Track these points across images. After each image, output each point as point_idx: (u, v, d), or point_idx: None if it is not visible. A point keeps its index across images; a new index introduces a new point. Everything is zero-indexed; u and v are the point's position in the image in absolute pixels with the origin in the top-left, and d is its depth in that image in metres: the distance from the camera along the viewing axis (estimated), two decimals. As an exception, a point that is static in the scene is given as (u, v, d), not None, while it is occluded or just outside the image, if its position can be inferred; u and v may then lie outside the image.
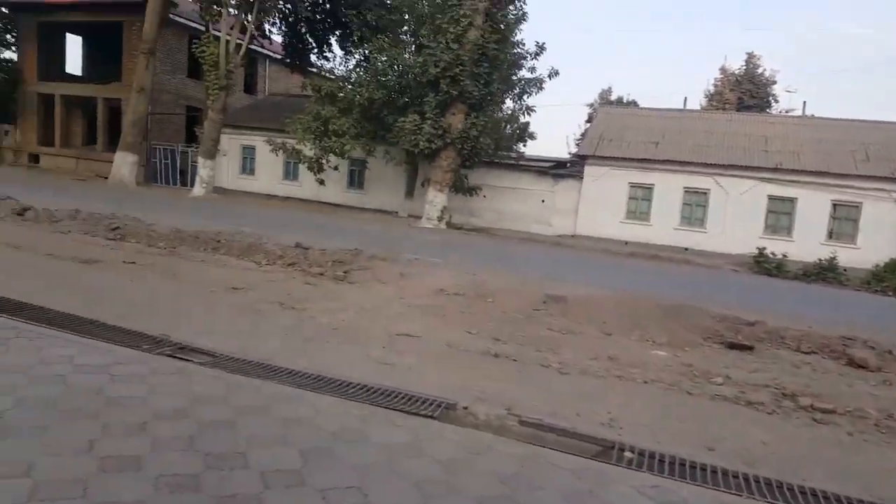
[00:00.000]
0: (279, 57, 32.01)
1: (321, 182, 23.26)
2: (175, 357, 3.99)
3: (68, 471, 2.33)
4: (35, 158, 31.46)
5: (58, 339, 3.88)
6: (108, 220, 9.50)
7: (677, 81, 73.00)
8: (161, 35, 24.48)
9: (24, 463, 2.34)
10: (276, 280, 7.15)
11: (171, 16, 25.39)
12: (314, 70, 29.52)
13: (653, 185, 21.92)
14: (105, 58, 31.51)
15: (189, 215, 14.02)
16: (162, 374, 3.53)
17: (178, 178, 28.84)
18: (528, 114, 21.65)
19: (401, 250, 10.15)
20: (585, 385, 4.55)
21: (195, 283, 6.48)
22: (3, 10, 31.07)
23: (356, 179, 26.91)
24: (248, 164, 28.95)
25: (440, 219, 20.50)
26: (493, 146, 20.38)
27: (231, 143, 26.82)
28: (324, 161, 22.17)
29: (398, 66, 20.37)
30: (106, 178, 25.27)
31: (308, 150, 21.99)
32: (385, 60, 20.56)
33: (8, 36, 32.58)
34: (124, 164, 23.91)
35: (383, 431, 3.11)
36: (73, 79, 33.02)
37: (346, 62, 25.23)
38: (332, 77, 23.94)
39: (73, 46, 34.41)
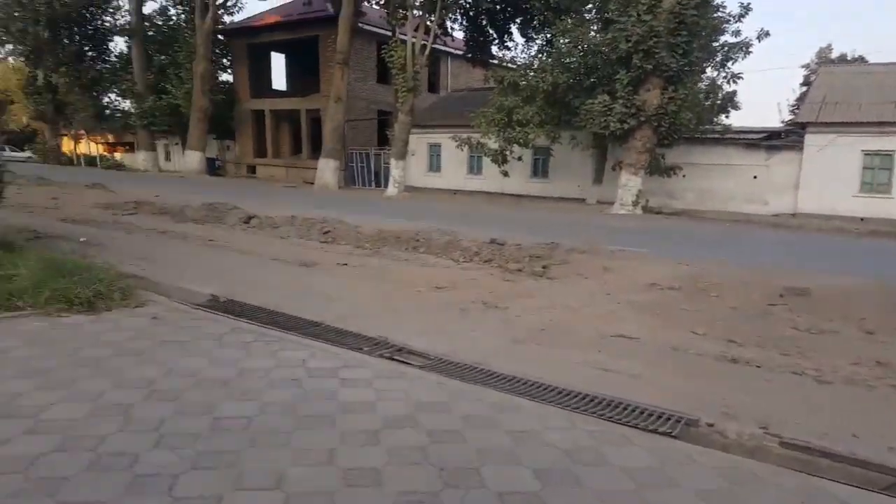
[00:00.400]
0: (460, 53, 32.72)
1: (505, 174, 23.29)
2: (394, 359, 4.02)
3: (315, 483, 2.33)
4: (252, 169, 35.63)
5: (290, 343, 4.10)
6: (321, 225, 10.25)
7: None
8: (352, 44, 26.17)
9: (276, 473, 2.39)
10: (475, 278, 7.09)
11: (360, 25, 27.03)
12: (495, 62, 29.71)
13: (893, 151, 18.63)
14: (305, 72, 34.62)
15: (387, 215, 14.76)
16: (385, 377, 3.54)
17: (374, 179, 30.73)
18: (734, 82, 19.59)
19: (599, 241, 9.61)
20: (854, 397, 3.78)
21: (402, 283, 6.63)
22: (220, 37, 35.44)
23: (540, 168, 26.54)
24: (434, 161, 29.98)
25: (635, 203, 19.38)
26: (694, 120, 18.71)
27: (418, 142, 27.90)
28: (507, 152, 22.14)
29: (583, 47, 19.52)
30: (312, 183, 27.76)
31: (493, 143, 22.10)
32: (569, 42, 19.85)
33: (224, 60, 37.19)
34: (327, 169, 26.05)
35: (620, 452, 2.77)
36: (278, 94, 36.74)
37: (527, 49, 25.02)
38: (514, 66, 23.74)
39: (277, 64, 38.30)
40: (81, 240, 7.90)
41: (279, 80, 38.54)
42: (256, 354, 3.82)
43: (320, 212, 13.51)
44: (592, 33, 19.62)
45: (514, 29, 27.84)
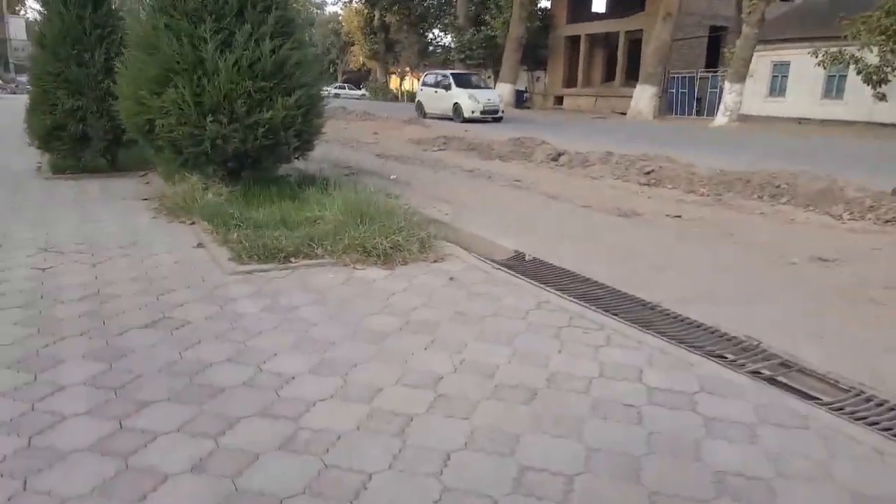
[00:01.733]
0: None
1: (881, 97, 18.09)
2: (777, 384, 2.55)
3: None
4: (559, 100, 34.71)
5: (615, 335, 2.90)
6: (641, 163, 8.67)
7: None
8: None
9: None
10: (878, 247, 4.90)
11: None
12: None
13: None
14: (628, -10, 31.82)
15: (719, 149, 12.35)
16: (777, 424, 2.12)
17: (696, 107, 27.34)
18: None
19: None
20: None
21: (760, 247, 4.86)
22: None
23: (929, 90, 20.18)
24: (777, 84, 25.24)
25: None
26: None
27: (758, 61, 23.37)
28: (890, 69, 17.03)
29: None
30: (623, 113, 25.74)
31: (873, 57, 17.20)
32: None
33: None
34: (643, 96, 23.70)
35: None
36: (596, 17, 34.64)
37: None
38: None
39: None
40: (392, 177, 7.80)
41: (599, 1, 36.34)
42: (571, 350, 2.72)
43: (636, 146, 11.89)
44: None
45: None
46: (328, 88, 50.70)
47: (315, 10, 65.18)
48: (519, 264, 4.29)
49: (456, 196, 6.79)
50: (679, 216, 6.07)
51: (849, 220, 5.81)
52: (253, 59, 5.12)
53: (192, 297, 3.20)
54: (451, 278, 3.68)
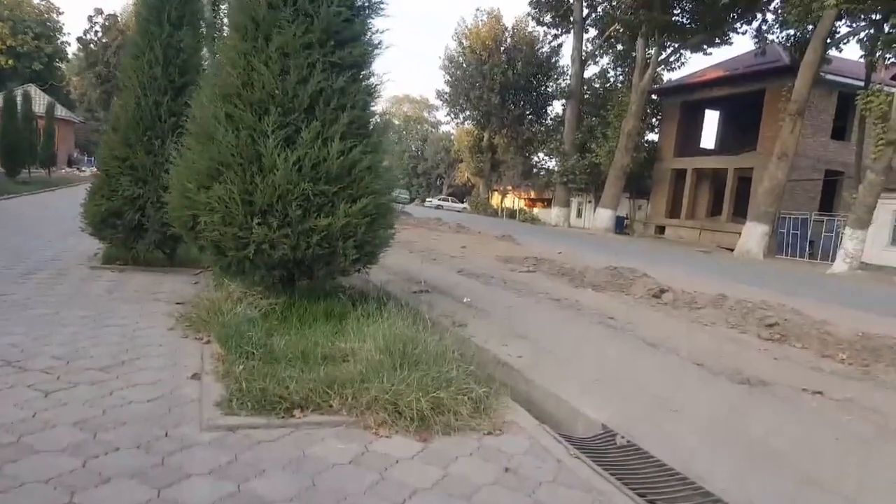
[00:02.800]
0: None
1: None
2: None
3: None
4: (661, 230, 33.48)
5: None
6: (761, 312, 7.32)
7: None
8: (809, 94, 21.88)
9: None
10: None
11: (821, 73, 22.55)
12: None
13: None
14: (739, 129, 31.13)
15: (846, 302, 10.66)
16: None
17: (807, 249, 25.35)
18: None
19: None
20: None
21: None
22: (653, 96, 34.59)
23: None
24: (899, 232, 22.97)
25: None
26: None
27: (880, 209, 21.49)
28: None
29: None
30: (729, 249, 24.16)
31: None
32: None
33: (654, 120, 36.19)
34: (754, 234, 22.07)
35: None
36: (705, 153, 33.96)
37: None
38: None
39: (709, 122, 35.57)
40: (465, 300, 6.89)
41: (707, 138, 35.88)
42: None
43: (751, 289, 10.45)
44: None
45: None
46: (431, 199, 52.32)
47: (430, 128, 69.30)
48: (608, 448, 3.15)
49: (536, 330, 5.76)
50: (820, 392, 4.68)
51: None
52: (317, 160, 4.55)
53: (132, 465, 2.30)
54: (507, 468, 2.60)
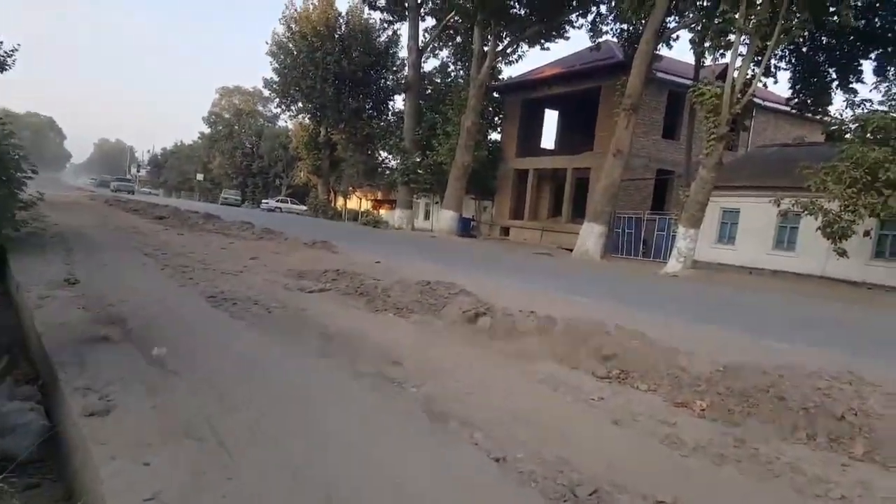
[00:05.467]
0: (772, 105, 26.28)
1: (841, 253, 16.20)
2: None
3: None
4: (505, 231, 32.86)
5: None
6: (597, 339, 5.50)
7: None
8: (643, 91, 21.71)
9: None
10: None
11: (652, 71, 22.60)
12: (822, 114, 22.64)
13: None
14: (577, 128, 31.24)
15: (685, 308, 9.48)
16: None
17: (641, 248, 25.65)
18: None
19: None
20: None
21: None
22: (495, 94, 33.84)
23: (889, 248, 18.79)
24: (726, 231, 23.73)
25: None
26: None
27: (708, 207, 22.06)
28: (857, 224, 15.21)
29: None
30: (569, 249, 23.61)
31: (836, 208, 15.45)
32: None
33: (496, 119, 35.51)
34: (591, 235, 21.49)
35: None
36: (545, 152, 33.88)
37: (888, 91, 17.69)
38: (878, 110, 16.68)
39: (549, 121, 35.64)
40: (155, 352, 4.30)
41: (548, 138, 35.90)
42: None
43: (587, 299, 8.88)
44: None
45: (865, 64, 20.54)
46: (268, 201, 48.04)
47: (265, 123, 64.25)
48: None
49: (260, 407, 3.35)
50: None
51: None
52: None
53: None
54: None
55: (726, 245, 23.45)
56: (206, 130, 67.14)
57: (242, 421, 3.29)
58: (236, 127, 61.33)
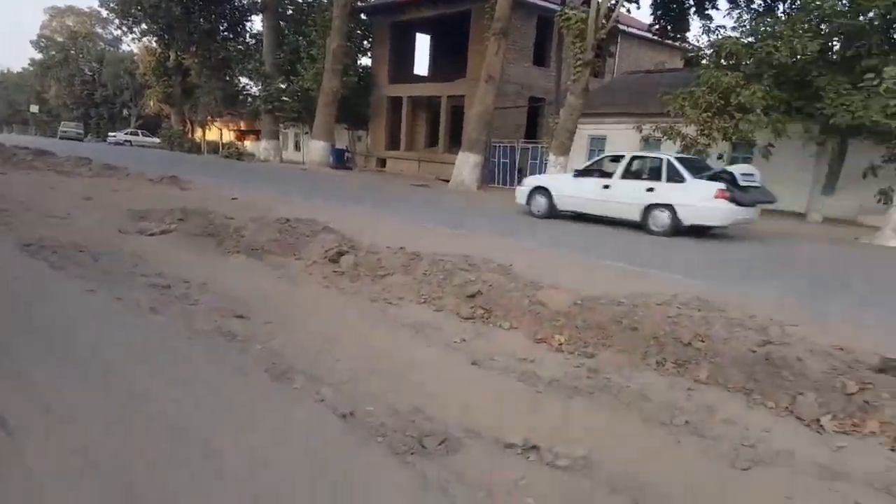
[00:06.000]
0: (634, 31, 26.98)
1: (698, 176, 17.30)
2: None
3: None
4: (382, 162, 32.02)
5: None
6: (463, 275, 5.31)
7: None
8: (512, 15, 21.28)
9: None
10: None
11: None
12: (681, 40, 23.57)
13: None
14: (451, 55, 30.39)
15: (558, 242, 9.65)
16: None
17: (517, 177, 25.98)
18: None
19: None
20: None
21: None
22: (362, 16, 32.05)
23: (738, 171, 20.34)
24: (595, 157, 24.50)
25: (924, 232, 12.72)
26: None
27: (577, 134, 22.55)
28: (710, 147, 16.24)
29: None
30: (446, 180, 23.41)
31: (694, 133, 16.31)
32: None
33: (365, 42, 33.78)
34: (466, 164, 21.38)
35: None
36: (419, 79, 32.91)
37: (736, 16, 18.53)
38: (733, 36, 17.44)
39: (422, 47, 34.52)
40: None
41: (422, 63, 34.81)
42: None
43: (459, 232, 8.73)
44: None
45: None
46: (115, 134, 43.35)
47: (107, 47, 57.07)
48: None
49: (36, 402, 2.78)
50: (536, 447, 2.65)
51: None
52: None
53: None
54: None
55: (599, 172, 24.30)
56: (38, 56, 58.81)
57: (37, 403, 2.72)
58: (72, 52, 53.90)
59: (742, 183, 10.71)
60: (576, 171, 12.90)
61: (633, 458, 2.77)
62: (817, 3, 14.03)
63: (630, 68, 29.13)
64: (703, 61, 18.11)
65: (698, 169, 11.58)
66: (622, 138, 22.08)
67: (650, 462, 2.74)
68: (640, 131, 17.96)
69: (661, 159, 11.53)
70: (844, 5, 13.95)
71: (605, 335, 4.22)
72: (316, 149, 27.38)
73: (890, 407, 3.10)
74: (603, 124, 23.08)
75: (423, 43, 34.16)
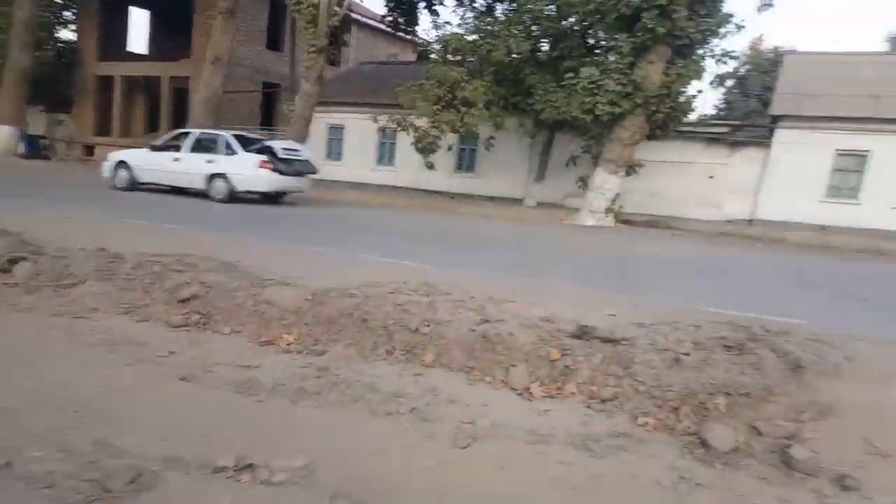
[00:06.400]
0: (369, 21, 27.41)
1: (430, 166, 18.30)
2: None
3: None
4: (90, 150, 27.74)
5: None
6: (176, 277, 4.64)
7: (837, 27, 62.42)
8: (238, -1, 19.86)
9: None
10: None
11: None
12: (412, 33, 24.52)
13: (867, 151, 16.95)
14: (173, 33, 27.49)
15: (299, 231, 9.26)
16: None
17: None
18: (724, 62, 15.37)
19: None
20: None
21: None
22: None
23: (466, 161, 22.09)
24: (334, 147, 24.37)
25: (609, 211, 15.11)
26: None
27: (316, 123, 22.16)
28: (440, 139, 17.18)
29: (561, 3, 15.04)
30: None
31: (425, 125, 17.05)
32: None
33: (67, 13, 28.90)
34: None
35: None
36: (136, 57, 29.20)
37: (461, 13, 19.89)
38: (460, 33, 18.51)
39: (139, 22, 30.71)
40: None
41: (140, 41, 30.91)
42: None
43: (171, 228, 7.86)
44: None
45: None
46: None
47: None
48: None
49: None
50: (251, 466, 2.36)
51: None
52: None
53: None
54: None
55: (335, 162, 24.03)
56: None
57: None
58: None
59: (282, 156, 12.53)
60: (152, 145, 13.89)
61: (359, 456, 2.63)
62: (529, 6, 15.49)
63: (366, 58, 29.57)
64: (432, 56, 19.00)
65: (251, 144, 13.17)
66: (359, 128, 22.33)
67: (376, 458, 2.63)
68: (377, 121, 18.30)
69: (220, 135, 13.24)
70: (552, 10, 15.54)
71: (336, 329, 4.03)
72: (1, 135, 22.60)
73: (585, 368, 3.44)
74: (340, 113, 23.07)
75: (141, 18, 30.39)
